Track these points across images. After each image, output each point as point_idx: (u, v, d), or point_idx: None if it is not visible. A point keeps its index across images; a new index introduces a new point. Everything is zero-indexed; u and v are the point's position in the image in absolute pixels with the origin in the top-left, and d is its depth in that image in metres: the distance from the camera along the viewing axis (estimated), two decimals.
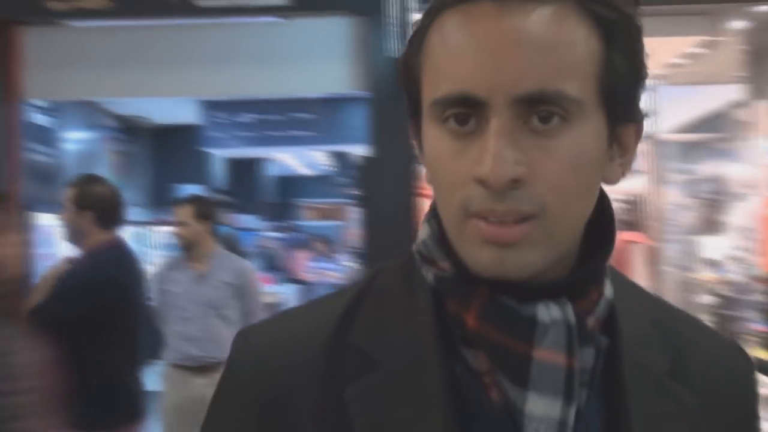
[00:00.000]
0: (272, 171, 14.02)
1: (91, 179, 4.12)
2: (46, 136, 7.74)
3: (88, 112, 9.11)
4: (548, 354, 0.81)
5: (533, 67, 0.77)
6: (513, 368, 0.82)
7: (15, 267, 2.96)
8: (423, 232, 0.91)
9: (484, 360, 0.84)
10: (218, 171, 11.79)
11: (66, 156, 8.38)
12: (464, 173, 0.80)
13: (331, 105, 8.94)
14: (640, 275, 5.71)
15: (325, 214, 15.35)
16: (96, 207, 3.85)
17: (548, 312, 0.82)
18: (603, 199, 0.89)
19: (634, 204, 6.11)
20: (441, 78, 0.81)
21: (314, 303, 0.98)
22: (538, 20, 0.78)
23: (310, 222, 15.41)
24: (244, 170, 12.74)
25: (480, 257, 0.81)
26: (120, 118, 10.22)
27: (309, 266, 12.75)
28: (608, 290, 0.88)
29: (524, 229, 0.79)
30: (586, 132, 0.80)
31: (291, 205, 15.77)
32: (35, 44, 6.65)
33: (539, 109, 0.78)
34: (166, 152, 11.06)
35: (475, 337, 0.84)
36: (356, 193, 8.48)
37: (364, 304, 0.91)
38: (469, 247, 0.82)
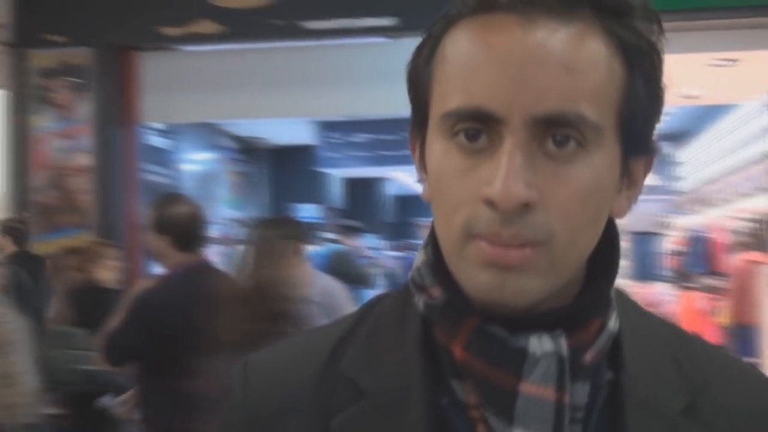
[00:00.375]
0: (390, 190, 14.03)
1: (171, 200, 4.05)
2: (163, 158, 7.95)
3: (207, 134, 9.35)
4: (536, 388, 0.76)
5: (556, 87, 0.73)
6: (498, 402, 0.78)
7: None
8: (419, 258, 0.87)
9: (473, 393, 0.80)
10: (335, 190, 11.87)
11: (184, 177, 8.59)
12: (471, 192, 0.75)
13: None
14: (764, 296, 5.43)
15: None
16: (173, 230, 3.82)
17: (540, 344, 0.77)
18: (610, 230, 0.84)
19: (758, 223, 5.81)
20: (454, 90, 0.77)
21: (314, 330, 0.97)
22: (563, 39, 0.74)
23: None
24: (361, 190, 12.81)
25: (479, 280, 0.76)
26: (238, 139, 10.45)
27: None
28: (613, 322, 0.83)
29: (528, 253, 0.74)
30: (601, 161, 0.76)
31: (409, 224, 15.76)
32: (151, 69, 6.88)
33: (556, 132, 0.74)
34: (283, 172, 11.24)
35: (462, 368, 0.80)
36: None
37: (357, 333, 0.89)
38: (468, 269, 0.77)
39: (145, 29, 6.63)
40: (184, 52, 6.78)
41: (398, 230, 14.85)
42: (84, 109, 6.82)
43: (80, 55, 6.86)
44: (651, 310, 0.94)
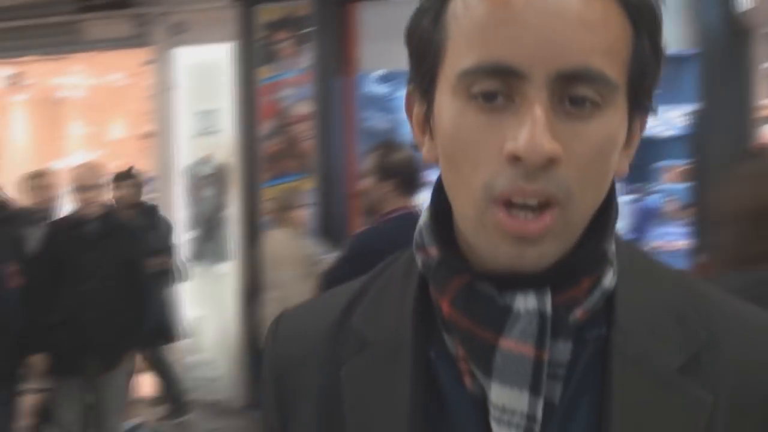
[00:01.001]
0: None
1: (392, 146, 4.15)
2: (383, 105, 8.13)
3: None
4: (514, 344, 0.78)
5: (579, 42, 0.74)
6: (479, 356, 0.80)
7: None
8: (421, 218, 0.89)
9: (459, 346, 0.83)
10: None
11: (403, 123, 8.74)
12: (492, 150, 0.75)
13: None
14: None
15: (681, 177, 14.69)
16: (395, 175, 3.89)
17: (525, 302, 0.78)
18: (611, 188, 0.84)
19: None
20: (472, 46, 0.76)
21: (338, 288, 1.00)
22: None
23: (669, 185, 14.82)
24: None
25: (499, 252, 0.78)
26: None
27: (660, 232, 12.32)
28: (609, 279, 0.83)
29: (546, 221, 0.75)
30: (615, 119, 0.77)
31: (646, 167, 15.21)
32: (370, 18, 7.05)
33: (574, 90, 0.74)
34: None
35: (448, 323, 0.83)
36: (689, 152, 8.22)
37: (370, 289, 0.94)
38: (487, 238, 0.78)
39: None
40: (402, 1, 6.88)
41: (635, 174, 14.35)
42: (306, 59, 7.11)
43: (302, 7, 7.14)
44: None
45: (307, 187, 7.02)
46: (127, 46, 8.14)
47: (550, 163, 0.73)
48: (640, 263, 0.88)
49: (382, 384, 0.85)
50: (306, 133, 7.17)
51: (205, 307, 7.62)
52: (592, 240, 0.82)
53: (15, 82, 9.33)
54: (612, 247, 0.84)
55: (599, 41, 0.74)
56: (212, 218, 7.74)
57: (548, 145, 0.72)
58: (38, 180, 6.72)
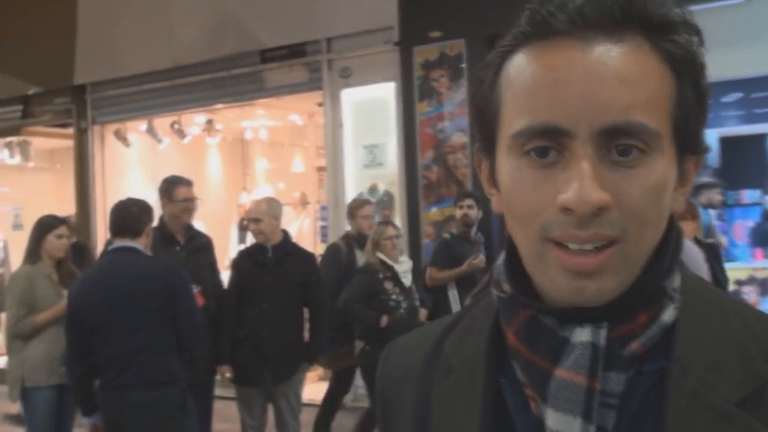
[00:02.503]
0: None
1: None
2: None
3: None
4: (567, 374, 0.78)
5: (618, 99, 0.75)
6: (537, 383, 0.81)
7: None
8: (499, 258, 0.91)
9: (523, 374, 0.84)
10: (712, 150, 11.12)
11: None
12: (545, 201, 0.78)
13: None
14: None
15: None
16: None
17: (581, 334, 0.79)
18: (671, 227, 0.85)
19: None
20: (522, 111, 0.79)
21: (440, 318, 1.04)
22: (618, 56, 0.76)
23: None
24: (741, 148, 11.83)
25: (559, 285, 0.79)
26: None
27: None
28: (668, 314, 0.82)
29: (604, 256, 0.76)
30: (662, 163, 0.78)
31: None
32: None
33: (619, 142, 0.76)
34: None
35: (512, 352, 0.85)
36: None
37: (462, 321, 0.97)
38: (547, 274, 0.80)
39: (511, 19, 6.76)
40: None
41: None
42: (460, 93, 7.18)
43: (456, 46, 7.24)
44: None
45: None
46: (303, 90, 8.41)
47: (600, 211, 0.75)
48: (708, 299, 0.85)
49: (461, 406, 0.88)
50: (462, 162, 7.23)
51: None
52: (649, 276, 0.81)
53: (209, 127, 9.76)
54: (675, 283, 0.83)
55: (638, 96, 0.75)
56: None
57: (596, 195, 0.74)
58: (360, 209, 6.41)
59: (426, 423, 0.91)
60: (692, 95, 0.79)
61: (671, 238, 0.84)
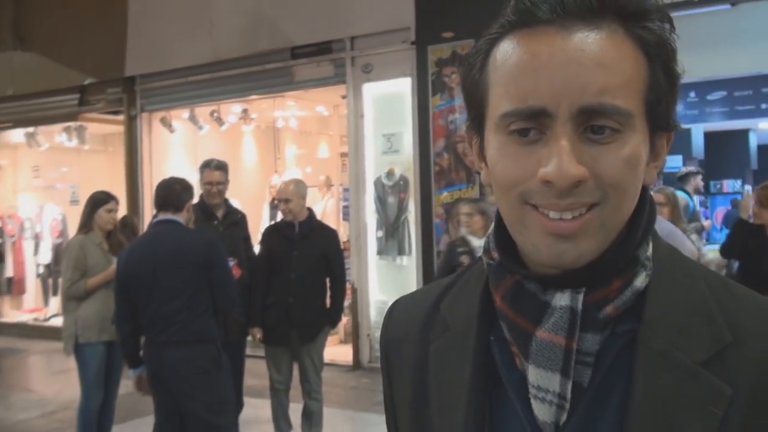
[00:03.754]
0: (753, 141, 12.64)
1: None
2: None
3: None
4: (548, 335, 0.79)
5: (594, 83, 0.74)
6: (520, 343, 0.81)
7: None
8: (490, 228, 0.91)
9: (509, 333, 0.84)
10: (697, 143, 11.02)
11: None
12: (527, 172, 0.77)
13: None
14: None
15: None
16: None
17: (561, 299, 0.79)
18: (644, 199, 0.83)
19: None
20: (509, 93, 0.78)
21: (438, 281, 1.02)
22: (596, 42, 0.76)
23: None
24: (722, 141, 11.73)
25: (540, 249, 0.78)
26: None
27: None
28: (641, 280, 0.81)
29: (582, 221, 0.76)
30: (635, 138, 0.77)
31: None
32: None
33: (594, 121, 0.75)
34: None
35: (500, 314, 0.85)
36: None
37: (456, 284, 0.96)
38: (529, 238, 0.79)
39: None
40: None
41: (762, 176, 13.36)
42: None
43: (467, 45, 7.17)
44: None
45: (470, 194, 7.06)
46: (328, 84, 8.39)
47: (578, 183, 0.74)
48: (677, 267, 0.84)
49: (455, 361, 0.88)
50: (470, 150, 7.18)
51: (389, 294, 7.76)
52: (623, 245, 0.80)
53: (244, 116, 9.77)
54: (647, 252, 0.82)
55: (613, 79, 0.75)
56: (395, 220, 7.86)
57: (574, 169, 0.74)
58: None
59: (424, 376, 0.90)
60: (664, 78, 0.78)
61: (644, 210, 0.83)
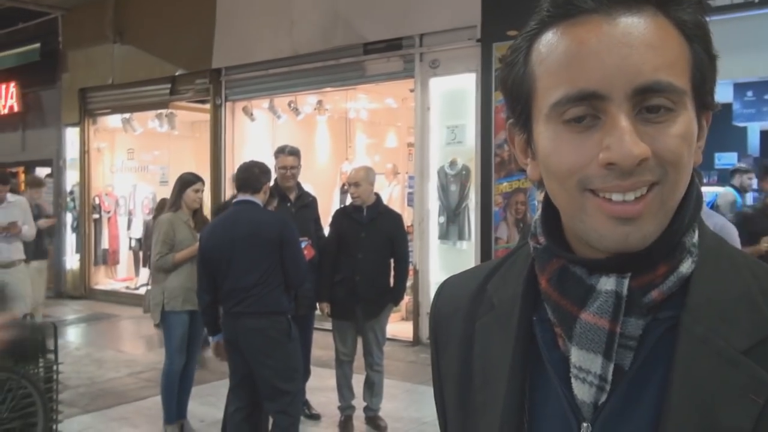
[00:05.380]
0: None
1: None
2: None
3: None
4: (592, 317, 0.76)
5: (646, 63, 0.72)
6: (565, 324, 0.79)
7: None
8: (536, 214, 0.87)
9: (553, 315, 0.82)
10: (753, 141, 10.60)
11: None
12: (585, 159, 0.74)
13: None
14: None
15: None
16: None
17: (606, 283, 0.76)
18: (692, 187, 0.79)
19: None
20: (559, 82, 0.74)
21: (487, 262, 1.01)
22: (641, 26, 0.73)
23: None
24: None
25: (603, 234, 0.74)
26: None
27: None
28: (686, 267, 0.77)
29: (645, 202, 0.72)
30: (686, 117, 0.74)
31: None
32: None
33: (650, 102, 0.72)
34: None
35: (544, 296, 0.82)
36: None
37: (504, 265, 0.94)
38: (591, 224, 0.75)
39: None
40: None
41: None
42: None
43: None
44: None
45: (528, 185, 6.97)
46: (397, 78, 8.39)
47: (642, 162, 0.71)
48: (722, 254, 0.80)
49: (498, 338, 0.86)
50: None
51: (448, 276, 7.67)
52: (670, 231, 0.76)
53: (319, 107, 9.84)
54: (693, 239, 0.79)
55: (663, 59, 0.72)
56: (456, 207, 7.82)
57: (637, 149, 0.70)
58: None
59: (469, 351, 0.89)
60: (705, 57, 0.76)
61: (691, 196, 0.79)
